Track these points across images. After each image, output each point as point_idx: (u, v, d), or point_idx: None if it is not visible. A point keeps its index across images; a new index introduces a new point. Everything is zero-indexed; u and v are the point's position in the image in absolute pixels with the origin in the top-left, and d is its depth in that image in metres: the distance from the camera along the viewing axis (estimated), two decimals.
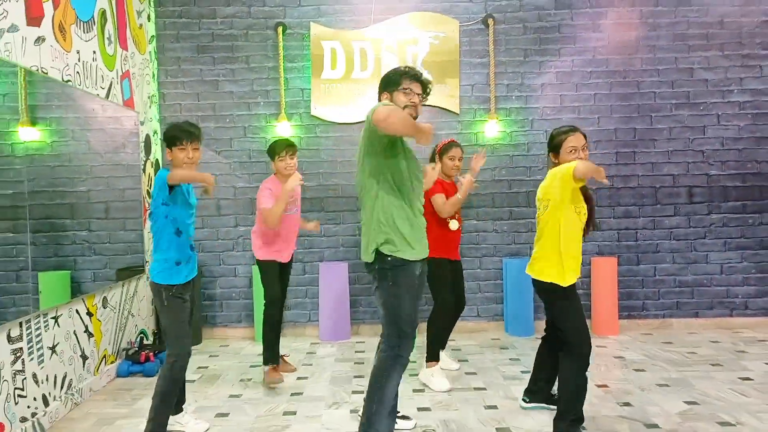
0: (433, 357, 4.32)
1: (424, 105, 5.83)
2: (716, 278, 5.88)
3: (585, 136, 3.31)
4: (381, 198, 2.98)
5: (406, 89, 3.03)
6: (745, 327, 5.80)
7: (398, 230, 2.96)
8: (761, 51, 5.80)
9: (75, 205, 4.57)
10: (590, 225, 3.28)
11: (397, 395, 3.04)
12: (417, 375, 4.45)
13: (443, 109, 5.85)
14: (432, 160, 4.52)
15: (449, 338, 4.69)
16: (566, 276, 3.17)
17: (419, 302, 3.11)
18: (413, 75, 3.05)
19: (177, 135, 3.21)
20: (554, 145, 3.33)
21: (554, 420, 3.26)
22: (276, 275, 4.43)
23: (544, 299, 3.31)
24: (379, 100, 3.12)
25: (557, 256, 3.18)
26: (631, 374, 4.46)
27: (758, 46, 5.80)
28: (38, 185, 4.04)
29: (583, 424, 3.31)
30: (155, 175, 5.69)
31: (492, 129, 5.82)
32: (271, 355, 4.34)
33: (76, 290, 4.40)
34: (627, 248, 5.89)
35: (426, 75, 3.14)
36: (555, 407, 3.38)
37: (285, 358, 4.77)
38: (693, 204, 5.87)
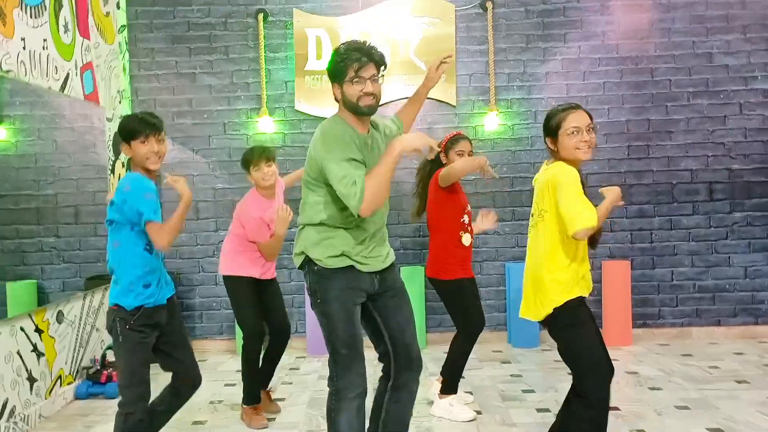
0: (451, 388, 3.75)
1: None
2: (740, 283, 5.37)
3: (591, 117, 2.63)
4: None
5: (355, 78, 2.49)
6: None
7: None
8: None
9: (42, 210, 4.23)
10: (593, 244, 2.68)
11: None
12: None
13: (439, 101, 5.39)
14: (436, 159, 3.76)
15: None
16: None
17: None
18: (357, 58, 2.48)
19: (135, 128, 2.65)
20: (551, 127, 2.63)
21: None
22: (251, 296, 3.73)
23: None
24: (333, 92, 2.62)
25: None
26: (646, 393, 3.98)
27: None
28: (2, 188, 3.70)
29: None
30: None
31: (492, 122, 5.35)
32: (252, 398, 3.70)
33: (44, 300, 4.07)
34: (641, 251, 5.39)
35: (370, 45, 2.54)
36: None
37: (270, 392, 3.97)
38: (713, 201, 5.37)
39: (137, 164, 2.70)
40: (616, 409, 3.70)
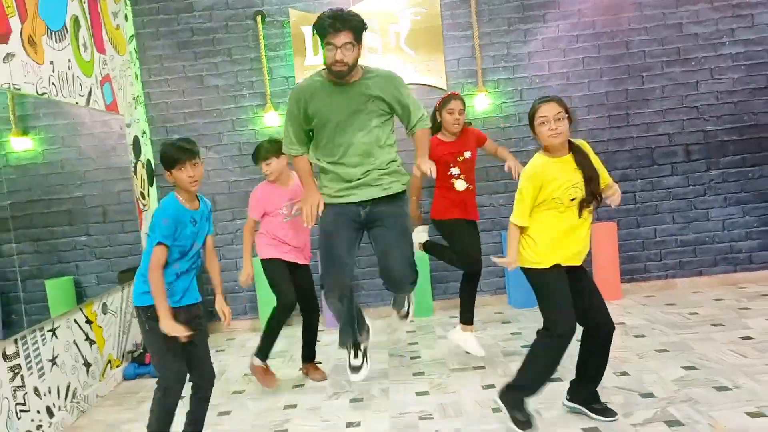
0: (466, 321, 4.31)
1: (411, 84, 5.76)
2: (718, 235, 5.82)
3: (564, 106, 3.01)
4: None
5: (328, 45, 3.04)
6: (750, 282, 5.75)
7: None
8: (752, 0, 5.64)
9: (72, 211, 4.62)
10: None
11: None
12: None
13: (430, 86, 5.78)
14: (434, 118, 4.23)
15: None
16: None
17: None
18: (329, 25, 3.00)
19: (174, 156, 2.89)
20: (530, 120, 3.05)
21: (505, 386, 3.20)
22: (284, 274, 4.12)
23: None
24: None
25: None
26: (631, 341, 4.46)
27: None
28: (34, 194, 4.09)
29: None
30: (154, 193, 5.72)
31: (481, 102, 5.75)
32: (263, 354, 4.14)
33: (82, 295, 4.47)
34: (626, 212, 5.83)
35: (347, 13, 3.07)
36: (592, 414, 3.24)
37: (317, 364, 4.47)
38: (691, 162, 5.78)
39: (179, 189, 2.97)
40: None
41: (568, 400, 3.37)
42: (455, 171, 4.22)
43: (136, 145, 5.50)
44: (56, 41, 4.25)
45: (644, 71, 5.74)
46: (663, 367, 3.89)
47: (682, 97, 5.74)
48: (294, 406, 3.86)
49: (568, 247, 3.09)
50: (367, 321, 3.76)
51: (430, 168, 3.21)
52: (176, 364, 3.01)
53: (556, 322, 3.04)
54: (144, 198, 5.57)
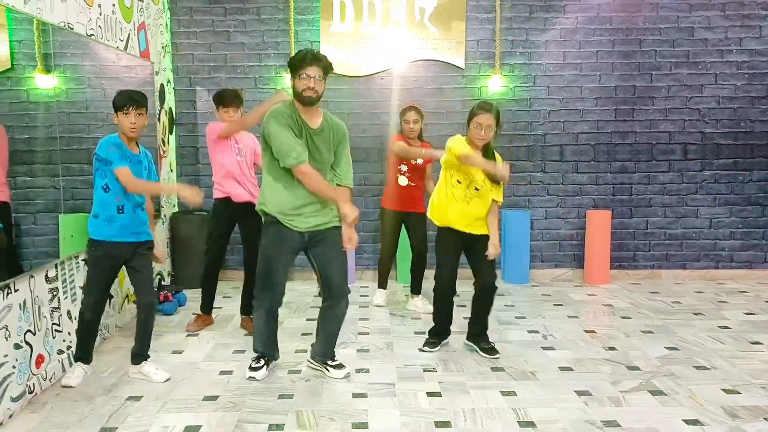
0: (414, 291, 5.22)
1: (429, 60, 5.96)
2: (704, 232, 6.17)
3: (497, 119, 3.83)
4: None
5: (301, 75, 3.35)
6: (729, 278, 6.12)
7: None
8: (761, 11, 5.92)
9: (91, 151, 4.73)
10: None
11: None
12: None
13: (449, 64, 6.00)
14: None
15: None
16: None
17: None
18: (298, 64, 3.37)
19: (124, 102, 3.39)
20: (468, 118, 3.89)
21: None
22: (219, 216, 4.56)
23: None
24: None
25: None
26: (618, 321, 4.79)
27: (759, 6, 5.91)
28: (55, 131, 4.21)
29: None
30: (170, 120, 5.90)
31: (495, 84, 5.99)
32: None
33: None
34: (621, 202, 6.15)
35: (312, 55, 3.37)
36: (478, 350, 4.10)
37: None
38: (687, 161, 6.10)
39: (121, 132, 3.47)
40: (593, 332, 4.51)
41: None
42: (404, 168, 4.98)
43: (162, 93, 5.67)
44: None
45: (653, 70, 6.01)
46: (647, 345, 4.23)
47: (686, 99, 6.04)
48: (305, 351, 4.13)
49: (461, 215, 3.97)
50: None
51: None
52: (99, 296, 3.58)
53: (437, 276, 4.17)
54: (164, 144, 5.76)
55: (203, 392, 3.48)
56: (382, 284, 5.31)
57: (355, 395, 3.44)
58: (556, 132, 6.06)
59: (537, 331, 4.55)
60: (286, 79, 5.94)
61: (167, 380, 3.64)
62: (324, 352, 3.79)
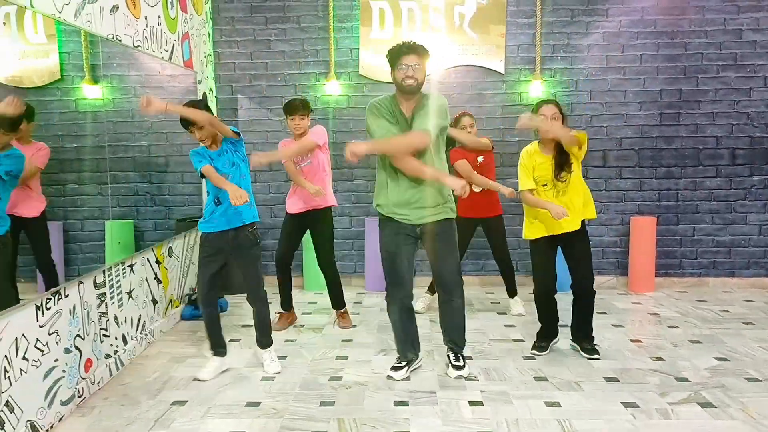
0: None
1: (469, 65, 5.93)
2: (753, 239, 5.99)
3: (559, 107, 3.91)
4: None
5: (400, 65, 3.53)
6: None
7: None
8: None
9: (137, 159, 4.87)
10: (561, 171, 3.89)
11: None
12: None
13: (489, 69, 5.96)
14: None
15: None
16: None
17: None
18: (395, 55, 3.57)
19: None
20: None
21: None
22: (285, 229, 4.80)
23: None
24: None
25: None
26: (665, 330, 4.68)
27: None
28: (102, 140, 4.30)
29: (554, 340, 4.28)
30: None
31: (536, 89, 5.93)
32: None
33: (139, 238, 4.69)
34: (666, 208, 6.01)
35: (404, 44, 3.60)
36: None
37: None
38: (735, 166, 5.94)
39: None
40: (639, 341, 4.41)
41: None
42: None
43: (205, 102, 5.75)
44: None
45: (699, 73, 5.87)
46: (696, 355, 4.12)
47: (734, 102, 5.88)
48: (345, 358, 4.14)
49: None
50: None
51: None
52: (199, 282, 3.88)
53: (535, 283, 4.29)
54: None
55: (246, 398, 3.51)
56: (431, 289, 5.32)
57: (397, 403, 3.43)
58: (599, 137, 5.96)
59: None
60: (325, 86, 5.99)
61: (277, 373, 3.87)
62: (455, 341, 3.89)
